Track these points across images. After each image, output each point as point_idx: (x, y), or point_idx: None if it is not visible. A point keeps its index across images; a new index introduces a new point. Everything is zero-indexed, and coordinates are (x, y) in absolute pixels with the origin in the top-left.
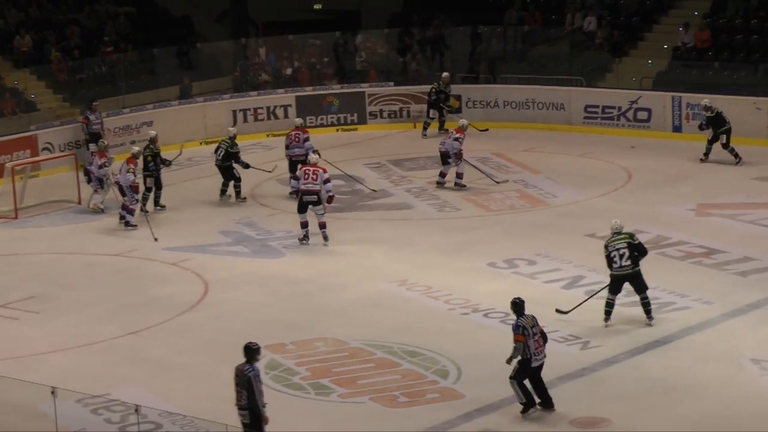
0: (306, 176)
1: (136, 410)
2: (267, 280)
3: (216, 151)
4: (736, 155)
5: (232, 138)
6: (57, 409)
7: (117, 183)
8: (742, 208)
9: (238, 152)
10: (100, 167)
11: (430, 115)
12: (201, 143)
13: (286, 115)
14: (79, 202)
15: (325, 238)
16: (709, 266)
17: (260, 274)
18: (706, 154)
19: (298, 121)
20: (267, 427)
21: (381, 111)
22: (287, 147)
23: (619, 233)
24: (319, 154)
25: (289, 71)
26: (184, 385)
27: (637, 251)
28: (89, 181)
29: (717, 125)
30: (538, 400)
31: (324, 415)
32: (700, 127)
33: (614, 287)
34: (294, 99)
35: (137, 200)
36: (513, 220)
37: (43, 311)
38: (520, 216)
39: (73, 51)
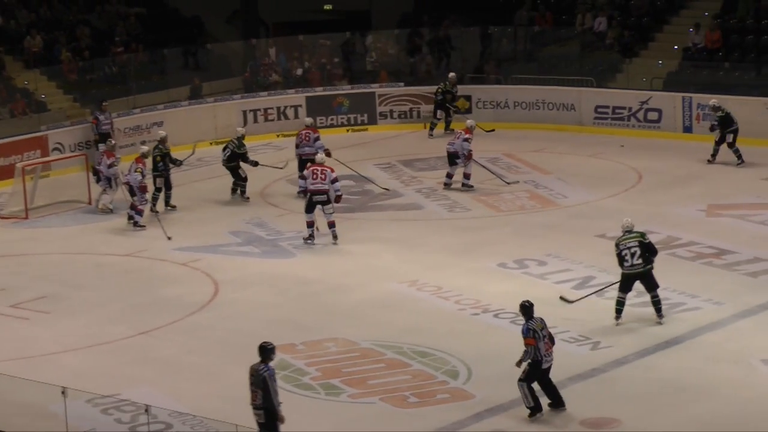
0: (315, 176)
1: (147, 410)
2: (277, 280)
3: (224, 150)
4: (739, 156)
5: (240, 138)
6: (67, 409)
7: (127, 183)
8: (753, 209)
9: (245, 153)
10: (109, 167)
11: (437, 116)
12: (211, 143)
13: (296, 116)
14: (90, 203)
15: (335, 237)
16: (719, 267)
17: (270, 275)
18: (714, 156)
19: (309, 120)
20: (282, 427)
21: (391, 111)
22: (297, 146)
23: (630, 232)
24: (329, 154)
25: (299, 72)
26: (194, 385)
27: (648, 251)
28: (98, 180)
29: (726, 125)
30: (548, 401)
31: (334, 416)
32: (711, 129)
33: (625, 286)
34: (304, 99)
35: (146, 200)
36: (523, 221)
37: (54, 311)
38: (530, 216)
39: (83, 51)
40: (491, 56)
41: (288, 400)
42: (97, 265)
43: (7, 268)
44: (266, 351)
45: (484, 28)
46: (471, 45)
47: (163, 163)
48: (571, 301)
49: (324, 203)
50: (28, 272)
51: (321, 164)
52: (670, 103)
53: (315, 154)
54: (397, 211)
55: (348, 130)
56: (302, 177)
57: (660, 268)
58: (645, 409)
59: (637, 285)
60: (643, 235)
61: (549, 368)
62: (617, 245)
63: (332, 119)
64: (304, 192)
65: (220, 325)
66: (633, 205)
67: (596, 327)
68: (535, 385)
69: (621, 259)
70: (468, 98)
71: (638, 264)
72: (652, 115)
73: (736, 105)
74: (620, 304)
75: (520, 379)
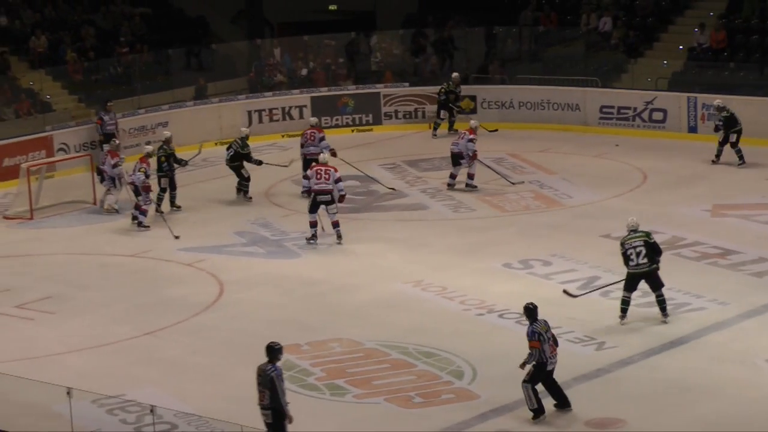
0: (318, 176)
1: (152, 411)
2: (282, 280)
3: (228, 149)
4: (740, 156)
5: (243, 139)
6: (72, 410)
7: (132, 183)
8: (758, 209)
9: (249, 153)
10: (114, 166)
11: (440, 116)
12: (216, 144)
13: (301, 116)
14: (95, 203)
15: (339, 236)
16: (724, 267)
17: (275, 275)
18: (718, 156)
19: (314, 120)
20: (289, 427)
21: (396, 111)
22: (302, 145)
23: (635, 231)
24: (335, 154)
25: (304, 72)
26: (199, 385)
27: (653, 250)
28: (102, 180)
29: (730, 126)
30: (554, 402)
31: (339, 416)
32: (716, 129)
33: (630, 285)
34: (309, 99)
35: (150, 201)
36: (528, 221)
37: (59, 312)
38: (535, 217)
39: (88, 52)
40: (496, 56)
41: (293, 400)
42: (102, 266)
43: (12, 268)
44: (274, 351)
45: (489, 29)
46: (476, 45)
47: (168, 163)
48: (575, 296)
49: (328, 203)
50: (33, 273)
51: (324, 164)
52: (675, 104)
53: (320, 153)
54: (402, 212)
55: (353, 131)
56: (306, 177)
57: (665, 269)
58: (650, 410)
59: (643, 285)
60: (648, 234)
61: (553, 369)
62: (622, 244)
63: (337, 119)
64: (308, 192)
65: (225, 325)
66: (638, 206)
67: (601, 327)
68: (540, 387)
69: (626, 259)
70: (473, 98)
71: (643, 263)
72: (657, 116)
73: (741, 105)
74: (625, 303)
75: (524, 381)
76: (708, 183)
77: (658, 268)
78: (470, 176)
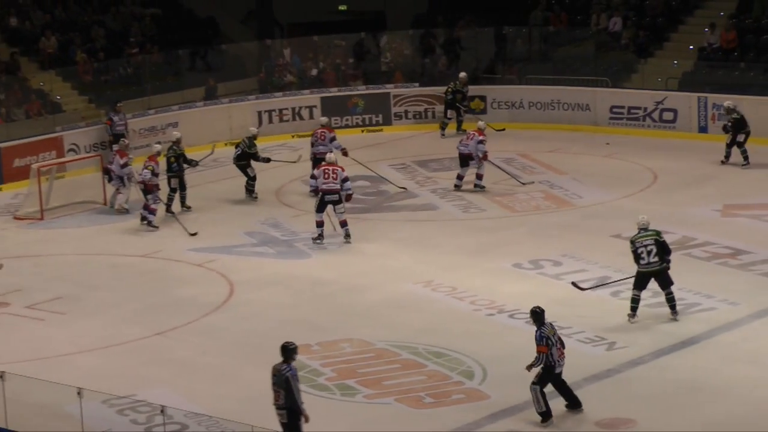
0: (326, 176)
1: (162, 411)
2: (292, 281)
3: (236, 148)
4: (745, 157)
5: (251, 138)
6: (83, 410)
7: (141, 182)
8: None
9: (256, 152)
10: (123, 166)
11: (448, 116)
12: (226, 144)
13: (311, 116)
14: (105, 203)
15: (347, 235)
16: (735, 267)
17: (285, 275)
18: (727, 157)
19: (324, 119)
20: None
21: (406, 112)
22: (312, 145)
23: (645, 229)
24: (346, 153)
25: (314, 72)
26: (209, 385)
27: (663, 249)
28: (110, 180)
29: (738, 128)
30: (565, 403)
31: (349, 416)
32: (724, 129)
33: (639, 283)
34: (319, 100)
35: (159, 200)
36: (538, 221)
37: (69, 312)
38: (545, 217)
39: (98, 52)
40: (506, 57)
41: (304, 400)
42: (112, 266)
43: (22, 268)
44: (288, 351)
45: (499, 29)
46: (485, 45)
47: (177, 163)
48: (583, 289)
49: (335, 203)
50: (43, 273)
51: (332, 164)
52: (686, 104)
53: (330, 153)
54: (412, 212)
55: (363, 131)
56: (313, 176)
57: (676, 269)
58: (660, 410)
59: (653, 284)
60: (658, 233)
61: (561, 371)
62: (633, 243)
63: (347, 120)
64: (315, 191)
65: (236, 325)
66: (648, 206)
67: (612, 327)
68: (550, 388)
69: (637, 257)
70: (483, 98)
71: (654, 262)
72: (668, 116)
73: (751, 105)
74: (635, 302)
75: (533, 383)
76: (718, 183)
77: (668, 267)
78: (479, 177)
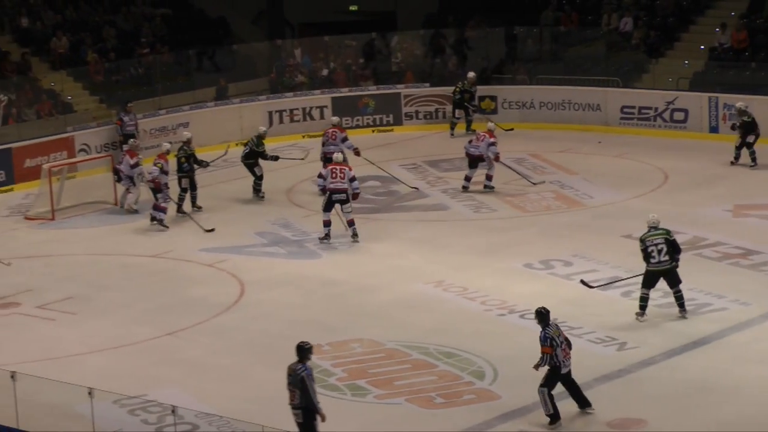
0: (334, 175)
1: (173, 411)
2: (303, 281)
3: (244, 146)
4: (754, 159)
5: (259, 137)
6: (94, 410)
7: (151, 181)
8: None
9: (263, 151)
10: (133, 166)
11: (456, 115)
12: (237, 144)
13: (322, 116)
14: (116, 203)
15: (355, 234)
16: (746, 267)
17: (296, 275)
18: (736, 158)
19: (335, 119)
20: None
21: (417, 112)
22: (323, 144)
23: (656, 228)
24: (358, 153)
25: (324, 72)
26: (220, 386)
27: (673, 248)
28: (119, 180)
29: (749, 130)
30: (577, 405)
31: (360, 416)
32: (733, 127)
33: (649, 282)
34: (330, 100)
35: (169, 198)
36: (549, 221)
37: (80, 312)
38: (556, 217)
39: (109, 53)
40: (517, 57)
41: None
42: (123, 266)
43: (33, 269)
44: (304, 350)
45: (510, 29)
46: (496, 45)
47: (188, 163)
48: (592, 287)
49: (343, 202)
50: (54, 273)
51: (339, 163)
52: (697, 104)
53: (341, 152)
54: (422, 212)
55: (373, 131)
56: (320, 176)
57: (687, 269)
58: (671, 410)
59: (662, 284)
60: (668, 232)
61: (569, 371)
62: (643, 241)
63: (358, 120)
64: (323, 190)
65: (246, 326)
66: (659, 206)
67: (623, 327)
68: (560, 388)
69: (647, 256)
70: (494, 99)
71: (665, 261)
72: (679, 116)
73: (762, 105)
74: (644, 300)
75: (541, 385)
76: (729, 183)
77: (677, 266)
78: (488, 177)
